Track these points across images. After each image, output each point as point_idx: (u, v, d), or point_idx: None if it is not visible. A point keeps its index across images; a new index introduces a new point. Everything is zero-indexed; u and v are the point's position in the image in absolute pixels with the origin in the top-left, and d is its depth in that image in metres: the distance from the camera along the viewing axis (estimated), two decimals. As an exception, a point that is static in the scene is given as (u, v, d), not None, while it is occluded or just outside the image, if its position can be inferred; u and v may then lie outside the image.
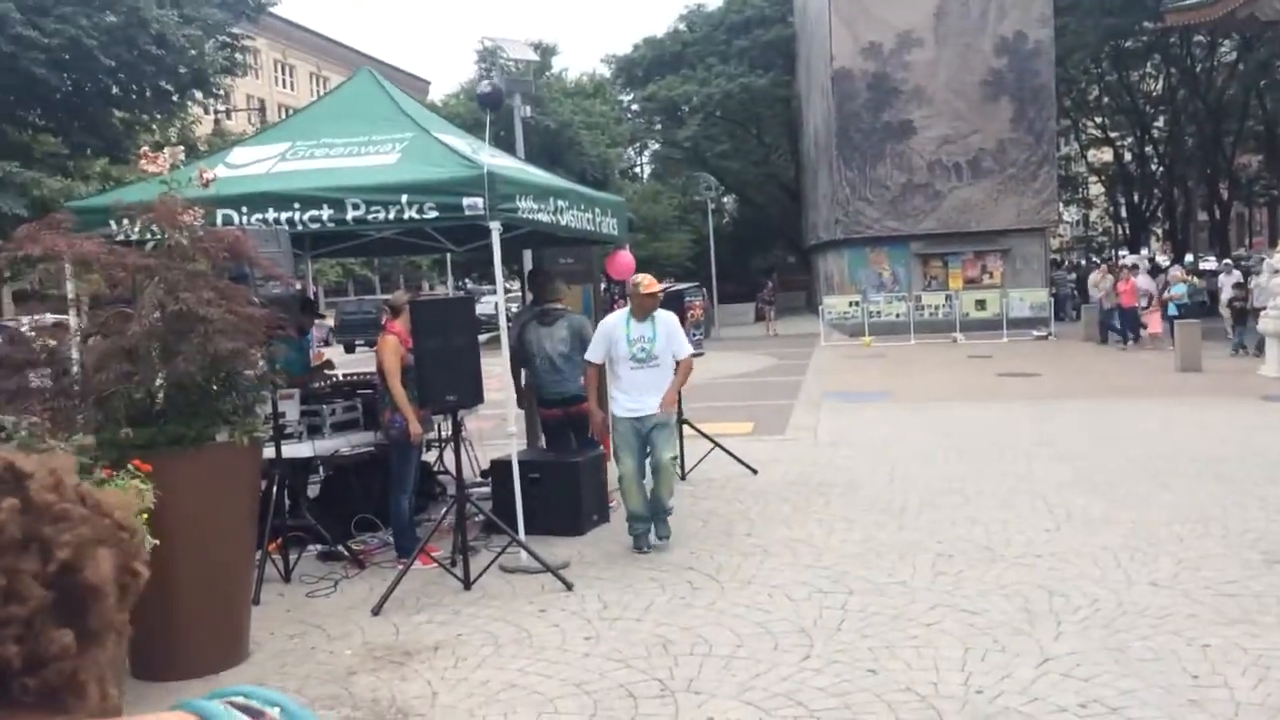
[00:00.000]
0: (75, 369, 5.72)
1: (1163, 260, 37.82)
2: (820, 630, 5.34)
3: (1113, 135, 45.98)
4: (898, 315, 27.29)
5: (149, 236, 6.23)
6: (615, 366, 7.17)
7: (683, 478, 9.29)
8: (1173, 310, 20.89)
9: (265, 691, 0.95)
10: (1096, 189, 55.06)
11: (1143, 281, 21.65)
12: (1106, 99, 44.19)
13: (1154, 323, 21.26)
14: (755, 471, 9.49)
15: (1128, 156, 45.91)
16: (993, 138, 29.40)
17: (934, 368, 19.53)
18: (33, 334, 6.15)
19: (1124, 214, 48.52)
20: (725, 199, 50.42)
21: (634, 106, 48.05)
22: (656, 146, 50.65)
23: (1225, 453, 9.70)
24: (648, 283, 7.23)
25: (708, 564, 6.65)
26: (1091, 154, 50.55)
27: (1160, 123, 43.48)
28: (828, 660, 4.93)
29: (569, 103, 37.86)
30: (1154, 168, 44.48)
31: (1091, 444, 10.46)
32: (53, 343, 5.97)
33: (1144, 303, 21.41)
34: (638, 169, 52.76)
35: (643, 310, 7.15)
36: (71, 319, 6.38)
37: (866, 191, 30.15)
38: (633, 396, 7.08)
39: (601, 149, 37.86)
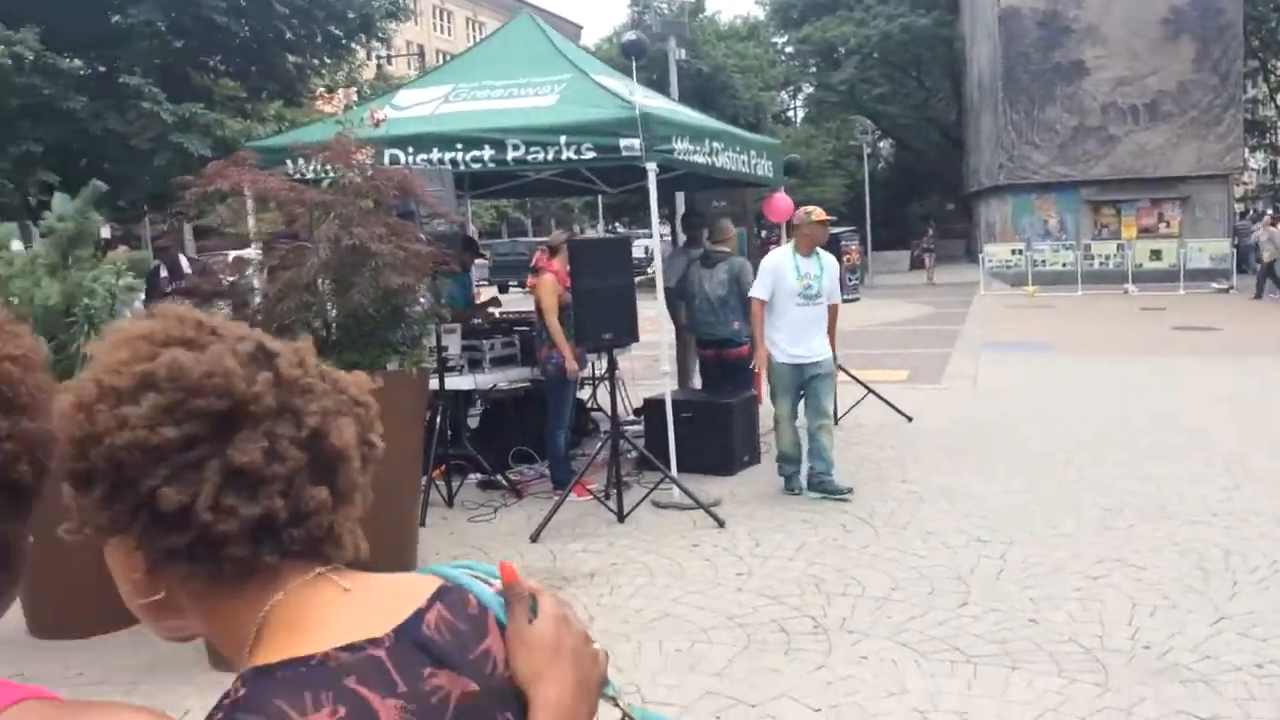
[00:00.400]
0: (258, 299, 6.05)
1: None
2: (978, 578, 5.24)
3: (1308, 75, 42.49)
4: (1064, 265, 26.10)
5: (324, 174, 6.49)
6: (778, 304, 6.93)
7: (835, 422, 9.18)
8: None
9: (487, 565, 1.02)
10: (1289, 133, 51.07)
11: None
12: (1303, 36, 40.77)
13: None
14: (910, 419, 9.31)
15: (1325, 97, 42.38)
16: (1173, 79, 27.62)
17: (1103, 319, 18.67)
18: (220, 267, 6.54)
19: (1319, 160, 44.91)
20: (881, 144, 49.05)
21: (788, 49, 47.01)
22: (810, 90, 49.52)
23: None
24: (820, 212, 7.10)
25: (860, 508, 6.58)
26: (1284, 95, 46.84)
27: (1364, 61, 39.94)
28: (986, 608, 4.83)
29: (722, 46, 37.35)
30: (1355, 110, 40.96)
31: (1274, 401, 9.84)
32: (234, 277, 6.33)
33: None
34: (790, 113, 51.78)
35: (811, 243, 7.00)
36: (252, 253, 6.72)
37: (1034, 135, 28.86)
38: (795, 339, 6.87)
39: (754, 92, 37.30)
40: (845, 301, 8.39)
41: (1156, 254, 25.59)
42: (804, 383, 6.92)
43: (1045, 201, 29.09)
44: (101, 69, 11.40)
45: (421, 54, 49.42)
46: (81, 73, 11.09)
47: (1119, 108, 28.13)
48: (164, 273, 10.15)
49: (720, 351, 8.17)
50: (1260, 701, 3.84)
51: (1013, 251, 27.22)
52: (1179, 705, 3.83)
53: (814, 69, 46.52)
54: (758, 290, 7.03)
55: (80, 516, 0.90)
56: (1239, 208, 38.49)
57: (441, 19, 59.70)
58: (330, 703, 0.82)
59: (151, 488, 0.85)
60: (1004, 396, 10.67)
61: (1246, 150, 37.32)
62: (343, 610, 0.90)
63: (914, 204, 44.95)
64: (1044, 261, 26.33)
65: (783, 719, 3.83)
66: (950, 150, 42.98)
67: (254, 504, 0.87)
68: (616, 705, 1.05)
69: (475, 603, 0.97)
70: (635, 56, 7.36)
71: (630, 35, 7.75)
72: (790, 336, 6.89)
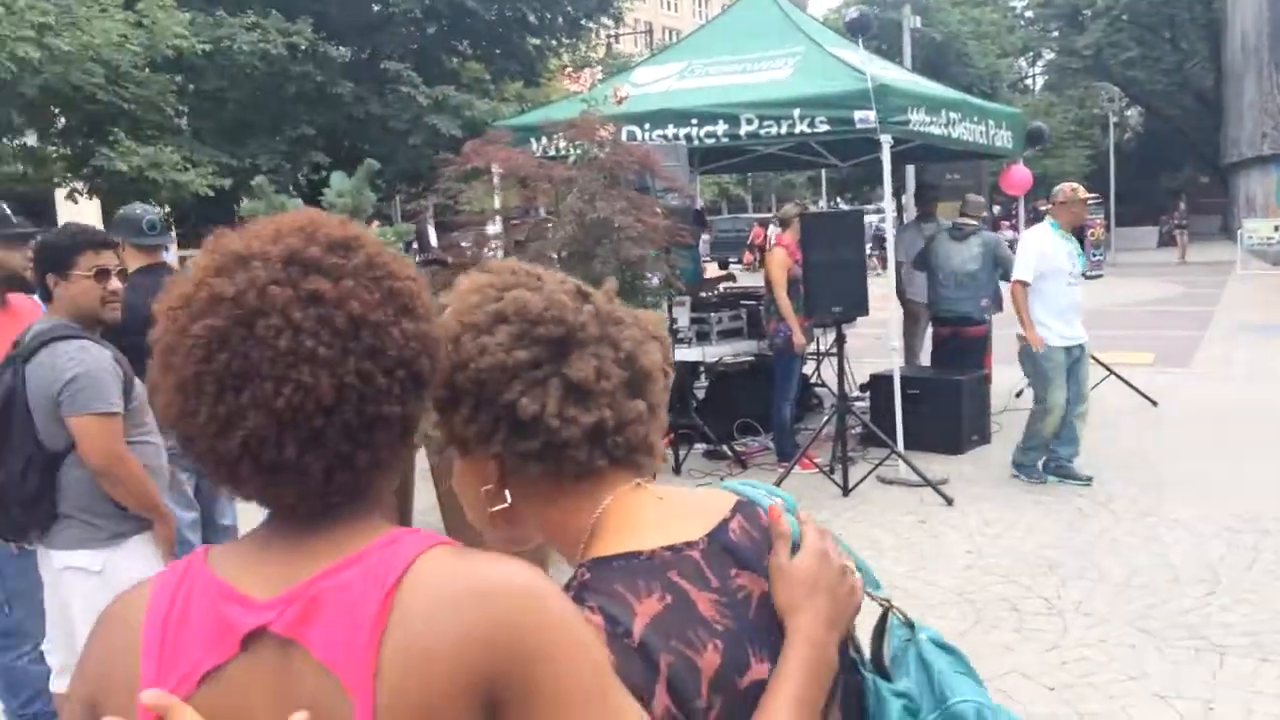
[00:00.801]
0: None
1: None
2: (1227, 567, 4.99)
3: None
4: (1336, 242, 23.77)
5: (568, 151, 6.83)
6: (1049, 286, 6.47)
7: (1071, 404, 8.86)
8: None
9: (768, 485, 1.17)
10: None
11: None
12: None
13: None
14: (1155, 403, 8.84)
15: None
16: None
17: (1381, 303, 16.93)
18: (466, 243, 7.01)
19: None
20: (1128, 112, 45.97)
21: (1028, 13, 44.76)
22: (1051, 56, 46.97)
23: None
24: (1083, 190, 6.79)
25: (1098, 493, 6.36)
26: None
27: None
28: (1236, 598, 4.62)
29: (956, 12, 36.03)
30: None
31: None
32: (477, 250, 6.78)
33: None
34: (1029, 80, 49.33)
35: (1074, 220, 6.70)
36: (496, 228, 7.16)
37: (1305, 100, 26.35)
38: (1068, 320, 6.49)
39: (990, 60, 35.83)
40: (1088, 278, 8.05)
41: None
42: (1070, 366, 6.61)
43: (1317, 173, 26.54)
44: (364, 55, 12.34)
45: (650, 31, 50.18)
46: (347, 60, 12.06)
47: None
48: (415, 244, 10.94)
49: (958, 329, 8.01)
50: None
51: (1276, 228, 24.99)
52: None
53: (1056, 33, 44.07)
54: (1023, 273, 6.50)
55: (446, 434, 1.10)
56: None
57: (669, -5, 60.30)
58: (659, 590, 0.99)
59: (510, 400, 1.05)
60: (1261, 381, 9.93)
61: None
62: (660, 516, 1.07)
63: (1163, 177, 41.93)
64: (1314, 238, 24.07)
65: (1015, 694, 3.83)
66: (1205, 119, 39.79)
67: (589, 413, 1.05)
68: (886, 606, 1.17)
69: (765, 517, 1.12)
70: (860, 34, 7.28)
71: (853, 12, 7.64)
72: (1065, 319, 6.51)
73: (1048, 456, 6.71)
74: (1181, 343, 12.76)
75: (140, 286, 3.61)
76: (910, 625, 1.18)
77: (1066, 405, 6.53)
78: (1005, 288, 7.43)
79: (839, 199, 41.82)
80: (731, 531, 1.08)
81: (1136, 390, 8.97)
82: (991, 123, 8.78)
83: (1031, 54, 47.75)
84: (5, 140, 8.72)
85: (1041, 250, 6.52)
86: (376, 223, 10.21)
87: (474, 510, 1.14)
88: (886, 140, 7.03)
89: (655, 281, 6.60)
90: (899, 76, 8.65)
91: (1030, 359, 6.59)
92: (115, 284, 3.22)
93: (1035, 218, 9.33)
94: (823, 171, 26.06)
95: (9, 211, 3.91)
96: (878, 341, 8.08)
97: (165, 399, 0.92)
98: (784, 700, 1.00)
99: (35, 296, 3.78)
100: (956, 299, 7.95)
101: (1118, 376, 9.11)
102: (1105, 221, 24.07)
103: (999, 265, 7.86)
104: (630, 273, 6.23)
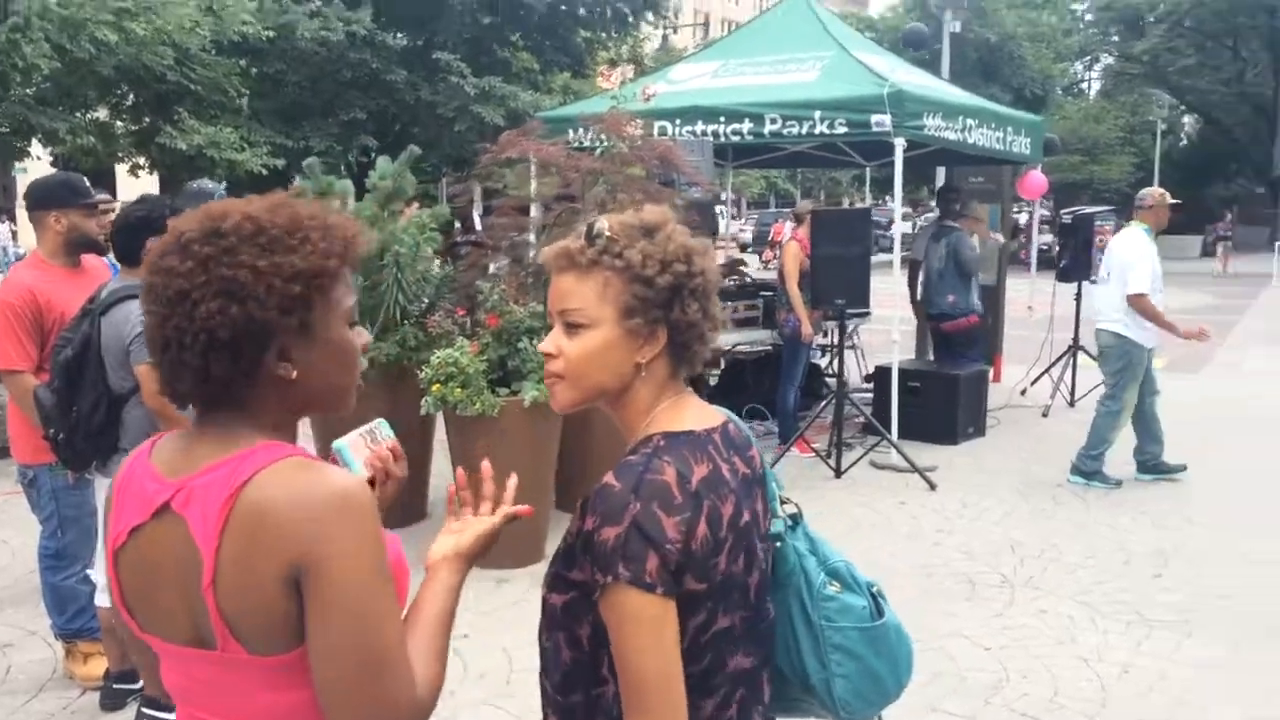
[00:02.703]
0: (532, 254, 6.96)
1: None
2: (1180, 556, 5.38)
3: None
4: (1380, 257, 23.53)
5: (599, 144, 7.30)
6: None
7: (1071, 404, 9.21)
8: None
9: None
10: None
11: None
12: None
13: None
14: (1154, 405, 9.15)
15: None
16: None
17: None
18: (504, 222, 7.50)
19: None
20: (1183, 120, 45.41)
21: (1088, 16, 44.36)
22: (1109, 61, 46.53)
23: None
24: (1170, 196, 6.87)
25: (1077, 485, 6.73)
26: None
27: None
28: (1180, 581, 5.02)
29: (1013, 14, 35.88)
30: None
31: None
32: (515, 235, 7.26)
33: None
34: (1084, 85, 48.88)
35: (1161, 224, 6.73)
36: (535, 213, 7.64)
37: (1361, 114, 26.01)
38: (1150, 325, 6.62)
39: (1044, 63, 35.64)
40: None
41: None
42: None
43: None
44: (418, 44, 12.87)
45: (706, 24, 50.41)
46: (402, 48, 12.61)
47: None
48: (459, 226, 11.46)
49: (937, 323, 8.41)
50: None
51: (1320, 242, 24.78)
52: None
53: (1115, 38, 43.68)
54: (1142, 284, 6.49)
55: (643, 305, 1.45)
56: None
57: (727, -12, 60.43)
58: (705, 459, 1.46)
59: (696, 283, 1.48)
60: (1269, 389, 10.18)
61: None
62: (698, 413, 1.53)
63: (1217, 186, 41.43)
64: (1358, 253, 23.85)
65: (954, 652, 4.27)
66: (1262, 129, 39.25)
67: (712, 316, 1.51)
68: (786, 503, 1.62)
69: (741, 428, 1.61)
70: (915, 47, 7.62)
71: (910, 27, 7.96)
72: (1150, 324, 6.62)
73: (1145, 456, 6.84)
74: (1197, 350, 12.93)
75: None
76: (796, 519, 1.64)
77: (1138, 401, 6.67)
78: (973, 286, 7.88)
79: (886, 198, 41.86)
80: (729, 428, 1.57)
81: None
82: (1010, 129, 9.12)
83: (1089, 58, 47.31)
84: (79, 115, 9.36)
85: (1152, 257, 6.57)
86: (417, 204, 10.73)
87: (606, 372, 1.47)
88: (900, 143, 7.42)
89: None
90: (921, 82, 9.01)
91: (1120, 358, 6.61)
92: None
93: (1067, 227, 9.48)
94: (867, 170, 26.30)
95: (87, 183, 4.44)
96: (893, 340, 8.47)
97: None
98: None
99: (105, 259, 4.31)
100: (930, 296, 8.37)
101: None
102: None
103: (960, 264, 8.22)
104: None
